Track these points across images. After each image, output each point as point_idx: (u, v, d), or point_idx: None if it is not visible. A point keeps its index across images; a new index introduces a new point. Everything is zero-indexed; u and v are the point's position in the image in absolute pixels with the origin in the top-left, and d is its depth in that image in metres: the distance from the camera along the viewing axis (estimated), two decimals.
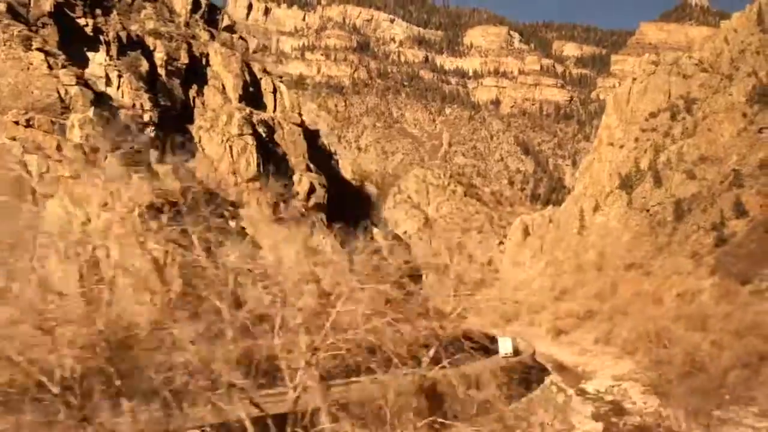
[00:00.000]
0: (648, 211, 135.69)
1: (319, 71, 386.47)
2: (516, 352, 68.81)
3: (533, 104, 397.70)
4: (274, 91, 55.85)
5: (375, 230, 64.65)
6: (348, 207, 77.49)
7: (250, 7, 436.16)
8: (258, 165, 48.92)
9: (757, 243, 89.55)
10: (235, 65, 53.02)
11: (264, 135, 51.80)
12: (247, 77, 53.87)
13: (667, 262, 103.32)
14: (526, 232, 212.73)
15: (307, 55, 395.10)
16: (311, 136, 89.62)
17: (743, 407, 46.35)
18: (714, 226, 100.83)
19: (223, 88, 52.21)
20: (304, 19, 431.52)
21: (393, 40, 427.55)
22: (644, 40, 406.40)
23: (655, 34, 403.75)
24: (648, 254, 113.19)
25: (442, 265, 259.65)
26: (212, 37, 55.32)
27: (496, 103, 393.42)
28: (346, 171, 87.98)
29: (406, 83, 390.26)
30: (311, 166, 55.43)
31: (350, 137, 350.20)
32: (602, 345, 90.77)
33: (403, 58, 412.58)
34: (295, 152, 54.24)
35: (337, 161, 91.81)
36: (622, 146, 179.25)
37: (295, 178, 53.16)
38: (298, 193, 52.36)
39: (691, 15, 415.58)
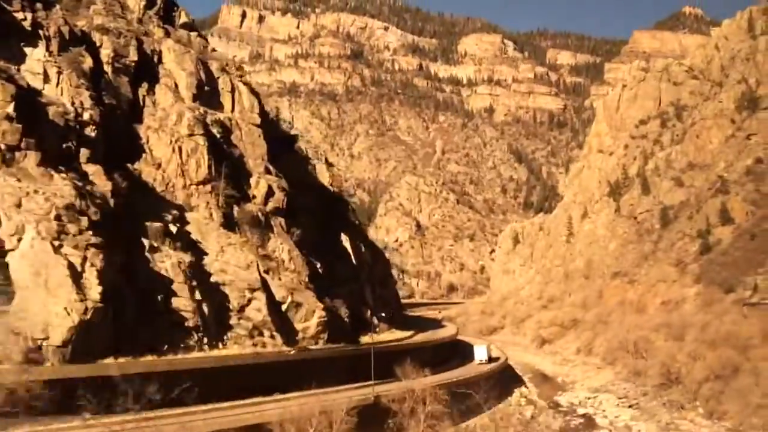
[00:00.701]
0: (635, 218, 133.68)
1: (312, 79, 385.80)
2: (490, 359, 72.19)
3: (527, 112, 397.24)
4: (233, 91, 53.73)
5: (343, 236, 62.37)
6: (324, 213, 75.39)
7: (244, 15, 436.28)
8: (209, 167, 46.67)
9: (741, 251, 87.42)
10: (190, 63, 50.89)
11: (219, 136, 49.66)
12: (203, 76, 51.67)
13: (652, 270, 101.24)
14: (517, 240, 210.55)
15: (301, 62, 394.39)
16: (287, 141, 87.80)
17: (716, 422, 44.17)
18: (699, 233, 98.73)
19: (176, 86, 50.11)
20: (298, 27, 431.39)
21: (387, 48, 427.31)
22: (638, 48, 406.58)
23: (649, 42, 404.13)
24: (633, 262, 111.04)
25: (434, 273, 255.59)
26: (167, 34, 53.26)
27: (490, 111, 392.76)
28: (324, 177, 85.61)
29: (399, 91, 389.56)
30: (271, 168, 53.17)
31: (343, 145, 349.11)
32: (584, 355, 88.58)
33: (397, 66, 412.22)
34: (254, 154, 52.07)
35: (314, 166, 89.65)
36: (611, 153, 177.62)
37: (253, 180, 50.99)
38: (254, 197, 50.23)
39: (685, 23, 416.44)
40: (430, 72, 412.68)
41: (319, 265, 52.87)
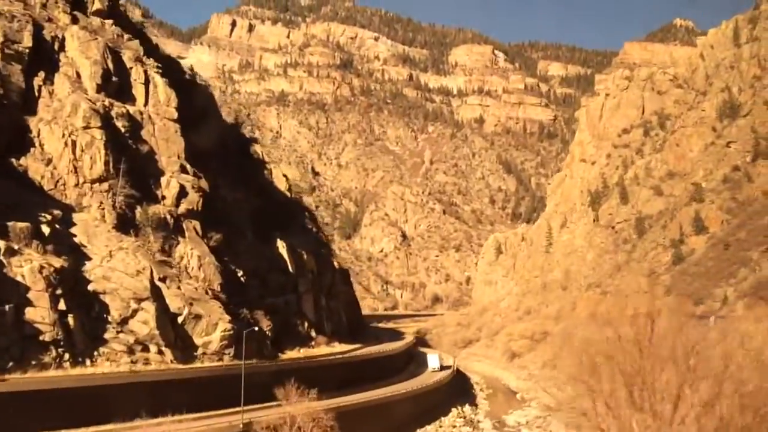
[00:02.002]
0: (613, 228, 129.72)
1: (301, 88, 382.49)
2: (442, 367, 76.22)
3: (517, 123, 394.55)
4: (147, 83, 49.49)
5: (279, 243, 58.04)
6: (277, 218, 71.19)
7: (234, 24, 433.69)
8: (107, 163, 42.43)
9: (714, 261, 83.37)
10: (96, 51, 46.69)
11: (124, 130, 45.34)
12: (111, 65, 47.36)
13: (624, 280, 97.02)
14: (500, 251, 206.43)
15: (290, 71, 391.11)
16: (243, 144, 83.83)
17: None
18: (672, 243, 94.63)
19: (78, 76, 45.92)
20: (288, 37, 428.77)
21: (377, 58, 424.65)
22: (628, 59, 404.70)
23: (639, 53, 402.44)
24: (607, 272, 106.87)
25: (419, 284, 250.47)
26: (75, 20, 49.16)
27: (480, 121, 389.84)
28: (280, 181, 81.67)
29: (389, 101, 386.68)
30: (188, 167, 48.88)
31: (331, 154, 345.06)
32: (549, 369, 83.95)
33: (386, 76, 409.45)
34: (168, 151, 47.84)
35: (270, 171, 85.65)
36: (594, 162, 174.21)
37: (163, 180, 46.66)
38: (164, 198, 45.95)
39: (676, 35, 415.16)
40: (420, 82, 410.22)
41: (241, 273, 48.54)
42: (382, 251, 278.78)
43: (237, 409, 33.78)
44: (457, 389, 67.90)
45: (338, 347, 57.92)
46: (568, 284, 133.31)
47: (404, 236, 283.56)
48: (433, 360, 76.19)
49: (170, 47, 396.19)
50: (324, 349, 54.15)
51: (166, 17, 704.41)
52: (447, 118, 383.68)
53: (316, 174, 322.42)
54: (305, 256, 61.27)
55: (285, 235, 65.86)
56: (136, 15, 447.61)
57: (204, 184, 48.40)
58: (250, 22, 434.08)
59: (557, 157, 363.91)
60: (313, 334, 55.68)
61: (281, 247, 57.61)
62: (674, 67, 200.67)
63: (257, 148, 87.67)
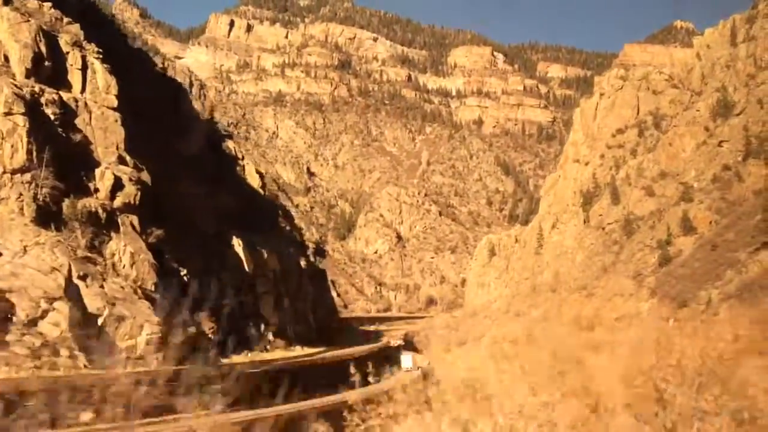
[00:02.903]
0: (603, 229, 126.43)
1: (298, 88, 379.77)
2: (417, 367, 75.07)
3: (516, 124, 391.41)
4: (84, 69, 46.64)
5: (235, 241, 55.04)
6: (244, 216, 68.51)
7: (232, 24, 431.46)
8: (30, 152, 39.62)
9: (701, 262, 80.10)
10: (28, 34, 43.98)
11: (54, 117, 42.54)
12: (44, 49, 44.58)
13: (609, 282, 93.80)
14: (493, 252, 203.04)
15: (287, 72, 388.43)
16: (217, 139, 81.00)
17: None
18: (659, 244, 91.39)
19: (7, 60, 43.20)
20: (286, 37, 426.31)
21: (376, 58, 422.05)
22: (628, 61, 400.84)
23: (639, 55, 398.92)
24: (593, 274, 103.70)
25: (413, 286, 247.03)
26: (6, 2, 46.42)
27: (479, 122, 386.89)
28: (253, 179, 78.92)
29: (386, 102, 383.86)
30: (128, 158, 46.01)
31: (327, 155, 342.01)
32: (529, 375, 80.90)
33: (385, 77, 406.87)
34: (105, 141, 44.99)
35: (243, 167, 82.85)
36: (587, 163, 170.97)
37: (98, 171, 43.79)
38: (98, 190, 43.08)
39: (676, 37, 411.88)
40: (419, 83, 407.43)
41: (185, 272, 45.58)
42: (376, 252, 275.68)
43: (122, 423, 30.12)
44: (417, 395, 64.44)
45: (298, 351, 54.85)
46: (557, 286, 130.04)
47: (399, 237, 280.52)
48: (406, 360, 76.86)
49: (168, 47, 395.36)
50: (279, 353, 51.08)
51: (164, 17, 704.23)
52: (445, 119, 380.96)
53: (311, 175, 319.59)
54: (266, 255, 58.20)
55: (252, 233, 63.01)
56: (134, 15, 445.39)
57: (146, 176, 45.51)
58: (248, 22, 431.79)
59: (556, 158, 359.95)
60: (271, 337, 52.63)
61: (237, 245, 54.56)
62: (670, 67, 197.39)
63: (230, 144, 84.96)
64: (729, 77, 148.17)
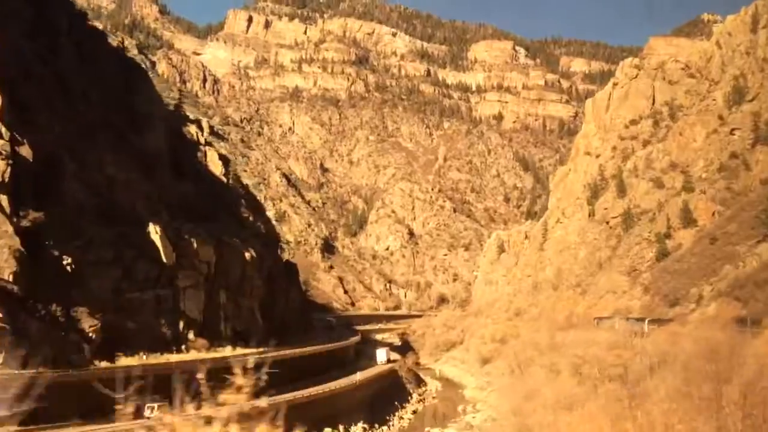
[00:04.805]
0: (608, 223, 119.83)
1: (315, 84, 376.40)
2: (389, 361, 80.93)
3: (536, 119, 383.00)
4: None
5: (152, 228, 50.35)
6: (193, 205, 64.50)
7: (250, 20, 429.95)
8: None
9: (698, 256, 73.79)
10: None
11: None
12: None
13: (603, 279, 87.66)
14: (502, 249, 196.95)
15: (304, 67, 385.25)
16: (177, 124, 77.02)
17: None
18: (658, 237, 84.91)
19: None
20: (305, 33, 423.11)
21: (394, 53, 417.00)
22: (653, 54, 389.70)
23: (664, 48, 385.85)
24: (589, 270, 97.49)
25: (424, 283, 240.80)
26: None
27: (499, 118, 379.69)
28: (215, 166, 74.76)
29: (404, 97, 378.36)
30: (2, 130, 41.11)
31: (342, 151, 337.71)
32: (509, 377, 75.28)
33: (403, 72, 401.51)
34: None
35: (205, 153, 78.70)
36: (598, 155, 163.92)
37: None
38: None
39: (703, 30, 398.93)
40: (438, 78, 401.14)
41: (69, 261, 40.71)
42: (387, 249, 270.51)
43: None
44: (381, 401, 59.18)
45: (223, 352, 49.68)
46: (559, 283, 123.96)
47: (411, 234, 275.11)
48: (381, 354, 79.64)
49: (187, 43, 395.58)
50: (193, 354, 46.11)
51: (184, 14, 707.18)
52: (464, 115, 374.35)
53: (324, 170, 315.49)
54: (195, 245, 53.25)
55: (199, 223, 58.67)
56: (153, 11, 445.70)
57: (26, 151, 40.93)
58: (266, 18, 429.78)
59: None
60: (192, 336, 47.86)
61: (154, 233, 49.59)
62: (688, 55, 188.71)
63: (191, 129, 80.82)
64: (748, 64, 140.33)
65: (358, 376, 60.75)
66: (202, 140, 79.19)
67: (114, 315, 40.56)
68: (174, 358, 42.00)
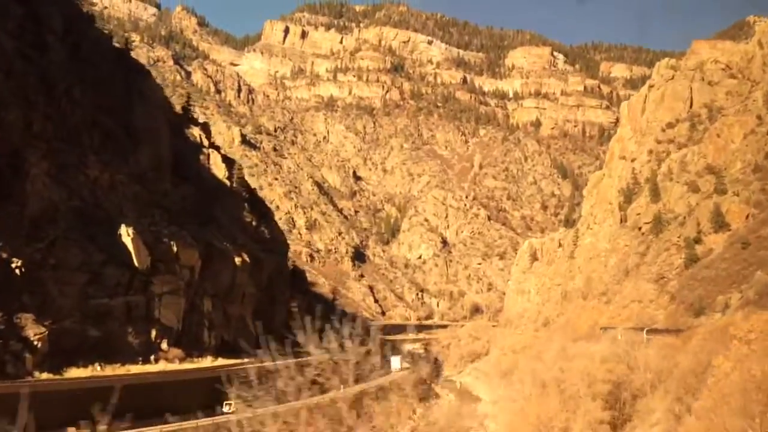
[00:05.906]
0: (640, 229, 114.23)
1: (350, 93, 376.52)
2: (402, 369, 78.38)
3: (575, 126, 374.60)
4: None
5: (124, 230, 48.18)
6: (197, 207, 62.97)
7: (287, 30, 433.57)
8: None
9: (728, 262, 68.73)
10: None
11: None
12: None
13: (628, 287, 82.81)
14: (535, 257, 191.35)
15: (339, 76, 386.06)
16: (177, 124, 75.82)
17: None
18: (687, 242, 79.76)
19: None
20: (341, 42, 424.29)
21: (430, 61, 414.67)
22: (697, 58, 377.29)
23: (708, 52, 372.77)
24: (615, 278, 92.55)
25: (458, 293, 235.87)
26: None
27: (536, 124, 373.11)
28: (219, 168, 73.31)
29: (439, 104, 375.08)
30: None
31: (376, 159, 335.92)
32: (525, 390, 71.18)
33: (439, 80, 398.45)
34: None
35: (208, 156, 77.31)
36: (633, 160, 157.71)
37: None
38: None
39: (748, 33, 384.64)
40: (474, 85, 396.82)
41: (18, 264, 38.62)
42: (420, 258, 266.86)
43: None
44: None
45: (200, 363, 47.18)
46: (588, 292, 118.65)
47: (444, 243, 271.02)
48: (395, 362, 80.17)
49: (224, 54, 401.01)
50: (163, 365, 43.51)
51: (222, 26, 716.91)
52: (500, 122, 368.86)
53: (358, 179, 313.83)
54: (176, 249, 50.87)
55: (190, 226, 56.90)
56: (192, 23, 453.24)
57: None
58: (303, 28, 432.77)
59: None
60: (165, 346, 45.51)
61: (125, 235, 47.32)
62: (729, 55, 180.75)
63: (194, 131, 79.45)
64: None
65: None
66: (206, 143, 77.86)
67: (76, 322, 38.63)
68: (134, 369, 39.74)
